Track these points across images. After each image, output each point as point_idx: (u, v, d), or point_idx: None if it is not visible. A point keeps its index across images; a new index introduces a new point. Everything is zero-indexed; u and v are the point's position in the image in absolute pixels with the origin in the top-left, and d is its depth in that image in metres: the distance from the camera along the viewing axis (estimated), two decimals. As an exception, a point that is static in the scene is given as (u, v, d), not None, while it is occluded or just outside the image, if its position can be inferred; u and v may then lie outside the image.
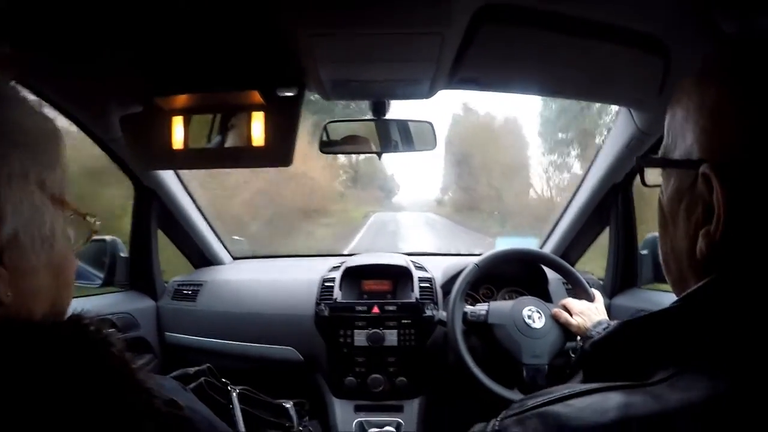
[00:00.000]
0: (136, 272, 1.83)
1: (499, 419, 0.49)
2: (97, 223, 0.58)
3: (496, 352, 1.45)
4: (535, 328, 1.42)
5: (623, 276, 1.74)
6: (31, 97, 0.51)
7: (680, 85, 0.51)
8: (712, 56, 0.49)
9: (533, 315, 1.44)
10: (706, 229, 0.45)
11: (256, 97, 1.11)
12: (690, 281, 0.49)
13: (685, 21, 0.90)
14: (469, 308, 1.53)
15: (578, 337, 1.38)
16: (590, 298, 1.46)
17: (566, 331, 1.41)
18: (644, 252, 1.69)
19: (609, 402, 0.42)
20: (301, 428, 1.11)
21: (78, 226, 0.56)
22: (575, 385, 0.47)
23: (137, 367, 0.48)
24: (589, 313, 1.38)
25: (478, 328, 1.49)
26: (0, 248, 0.45)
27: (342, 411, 1.68)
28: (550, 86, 1.31)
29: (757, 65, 0.44)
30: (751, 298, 0.42)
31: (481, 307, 1.51)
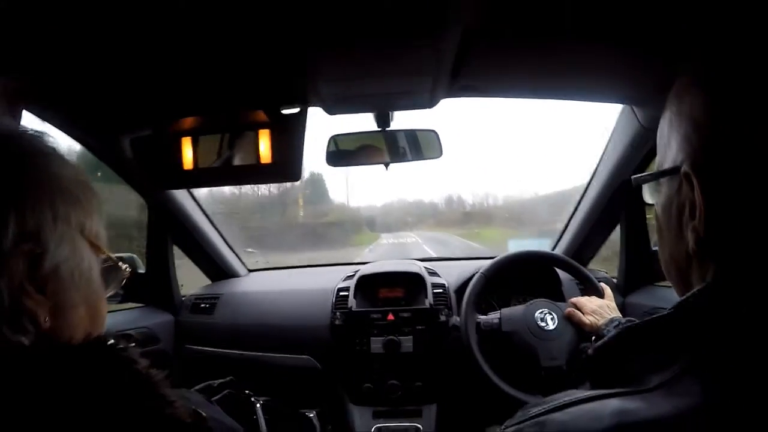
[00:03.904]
0: (154, 288, 1.87)
1: (501, 429, 0.50)
2: (128, 270, 0.63)
3: (513, 358, 1.45)
4: (549, 330, 1.41)
5: (637, 273, 1.73)
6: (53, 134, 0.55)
7: (667, 98, 0.52)
8: (690, 67, 0.50)
9: (546, 317, 1.44)
10: (692, 225, 0.47)
11: (262, 115, 1.13)
12: (691, 285, 0.49)
13: (678, 21, 0.90)
14: (482, 318, 1.52)
15: (593, 337, 1.36)
16: (600, 294, 1.45)
17: (581, 330, 1.39)
18: (657, 248, 1.63)
19: (605, 409, 0.43)
20: None
21: (111, 271, 0.60)
22: (577, 392, 0.48)
23: (160, 381, 0.50)
24: (602, 311, 1.36)
25: (493, 336, 1.48)
26: (43, 279, 0.49)
27: (360, 417, 1.70)
28: (549, 89, 1.31)
29: (729, 75, 0.46)
30: (743, 305, 0.43)
31: (494, 316, 1.50)
